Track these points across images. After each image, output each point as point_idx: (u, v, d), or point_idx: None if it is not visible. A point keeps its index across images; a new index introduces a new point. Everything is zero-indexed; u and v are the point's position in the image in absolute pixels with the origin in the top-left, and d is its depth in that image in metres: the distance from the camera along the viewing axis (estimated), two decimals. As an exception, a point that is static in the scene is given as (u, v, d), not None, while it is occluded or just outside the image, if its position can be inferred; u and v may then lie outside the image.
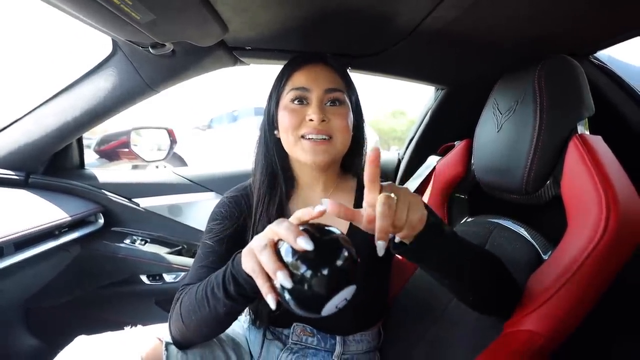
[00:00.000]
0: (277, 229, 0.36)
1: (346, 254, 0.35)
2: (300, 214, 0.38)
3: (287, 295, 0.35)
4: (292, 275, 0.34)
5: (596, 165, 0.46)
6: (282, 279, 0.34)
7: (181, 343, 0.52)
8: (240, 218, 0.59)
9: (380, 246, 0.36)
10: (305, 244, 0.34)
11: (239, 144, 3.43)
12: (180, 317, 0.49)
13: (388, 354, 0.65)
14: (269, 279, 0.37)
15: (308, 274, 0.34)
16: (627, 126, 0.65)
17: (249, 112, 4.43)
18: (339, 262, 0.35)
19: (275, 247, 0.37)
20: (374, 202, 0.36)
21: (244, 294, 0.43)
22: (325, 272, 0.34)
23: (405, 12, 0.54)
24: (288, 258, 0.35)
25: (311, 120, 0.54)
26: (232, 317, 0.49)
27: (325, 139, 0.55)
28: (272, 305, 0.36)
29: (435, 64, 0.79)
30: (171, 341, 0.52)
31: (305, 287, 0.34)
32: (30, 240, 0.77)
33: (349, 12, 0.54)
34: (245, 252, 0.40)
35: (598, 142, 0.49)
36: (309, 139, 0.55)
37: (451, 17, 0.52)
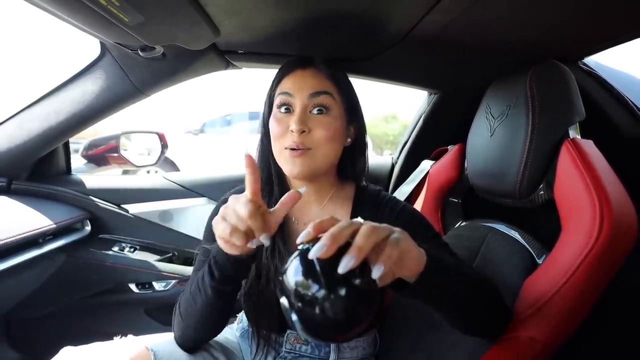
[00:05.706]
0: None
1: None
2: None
3: (294, 317, 0.31)
4: (301, 297, 0.30)
5: (588, 168, 0.46)
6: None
7: (186, 345, 0.54)
8: None
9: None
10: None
11: (232, 149, 3.41)
12: (181, 317, 0.51)
13: (384, 361, 0.64)
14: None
15: (321, 294, 0.29)
16: (616, 130, 0.66)
17: (243, 116, 4.41)
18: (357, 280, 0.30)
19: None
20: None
21: (227, 275, 0.45)
22: (342, 292, 0.29)
23: (398, 17, 0.54)
24: (298, 277, 0.31)
25: (292, 131, 0.53)
26: (225, 306, 0.49)
27: (304, 149, 0.54)
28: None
29: (428, 69, 0.79)
30: (158, 350, 0.51)
31: (317, 310, 0.29)
32: (12, 249, 0.74)
33: (342, 16, 0.54)
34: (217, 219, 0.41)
35: (589, 146, 0.50)
36: (290, 149, 0.54)
37: (443, 21, 0.52)
